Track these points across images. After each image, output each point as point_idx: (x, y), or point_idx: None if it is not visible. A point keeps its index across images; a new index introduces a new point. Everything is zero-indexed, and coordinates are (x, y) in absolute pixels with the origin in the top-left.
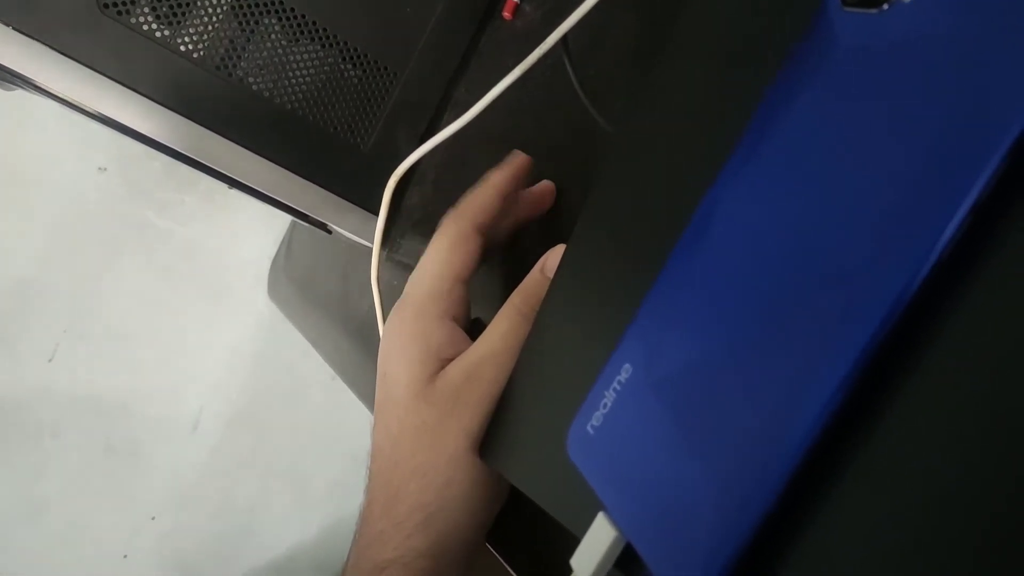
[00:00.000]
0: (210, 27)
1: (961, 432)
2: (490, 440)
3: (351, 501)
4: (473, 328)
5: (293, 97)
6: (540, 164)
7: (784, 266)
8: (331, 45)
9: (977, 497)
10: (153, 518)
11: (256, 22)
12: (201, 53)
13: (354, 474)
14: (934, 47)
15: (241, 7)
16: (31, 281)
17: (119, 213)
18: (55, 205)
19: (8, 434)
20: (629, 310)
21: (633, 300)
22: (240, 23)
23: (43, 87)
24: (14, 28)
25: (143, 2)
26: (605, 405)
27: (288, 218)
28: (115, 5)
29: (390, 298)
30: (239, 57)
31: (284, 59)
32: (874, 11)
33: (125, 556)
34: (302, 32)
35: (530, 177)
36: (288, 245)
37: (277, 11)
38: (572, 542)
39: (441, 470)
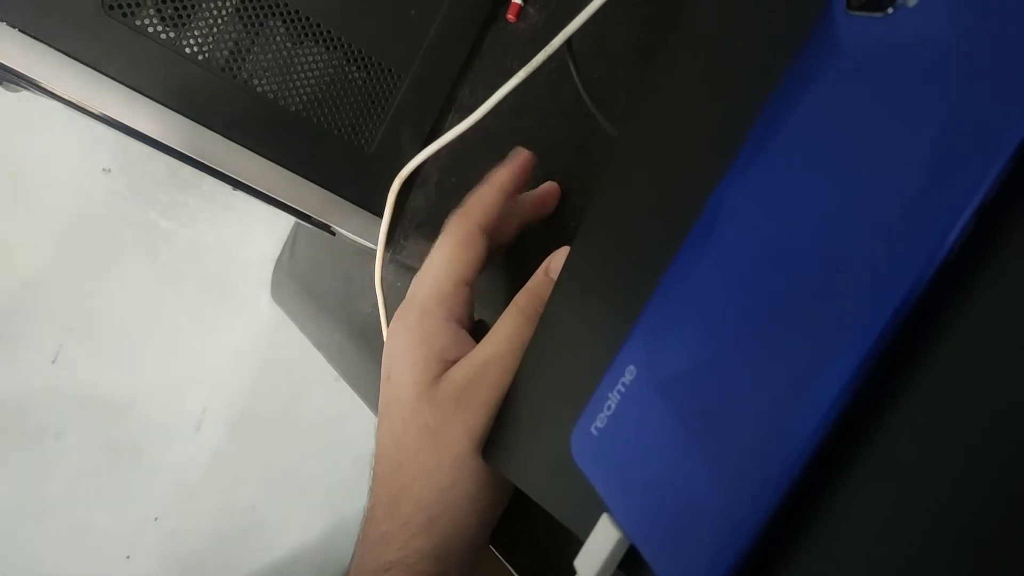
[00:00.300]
0: (215, 29)
1: (968, 436)
2: (494, 442)
3: (353, 502)
4: (477, 330)
5: (297, 99)
6: (544, 166)
7: (789, 269)
8: (335, 47)
9: (986, 503)
10: (156, 519)
11: (261, 24)
12: (206, 55)
13: (356, 475)
14: (939, 51)
15: (246, 9)
16: (34, 282)
17: (123, 214)
18: (59, 206)
19: (11, 435)
20: (633, 312)
21: (637, 302)
22: (245, 25)
23: (48, 89)
24: (20, 30)
25: (148, 4)
26: (609, 407)
27: (291, 220)
28: (120, 7)
29: (393, 300)
30: (243, 59)
31: (288, 61)
32: (879, 15)
33: (128, 557)
34: (306, 34)
35: (534, 179)
36: (291, 247)
37: (281, 13)
38: (575, 544)
39: (445, 472)
